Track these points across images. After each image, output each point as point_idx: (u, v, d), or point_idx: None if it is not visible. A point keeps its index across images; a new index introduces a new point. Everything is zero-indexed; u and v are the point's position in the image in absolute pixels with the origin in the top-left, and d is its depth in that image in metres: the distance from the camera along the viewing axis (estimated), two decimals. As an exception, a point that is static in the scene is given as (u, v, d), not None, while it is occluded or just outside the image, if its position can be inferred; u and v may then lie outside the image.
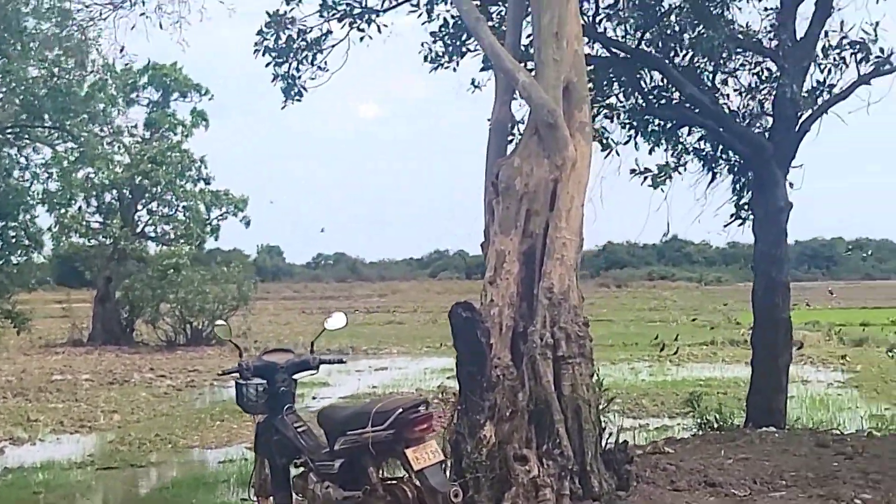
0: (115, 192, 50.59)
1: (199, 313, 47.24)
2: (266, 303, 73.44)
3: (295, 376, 11.46)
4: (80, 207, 50.14)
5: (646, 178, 19.29)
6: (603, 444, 11.89)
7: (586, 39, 18.25)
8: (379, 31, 19.27)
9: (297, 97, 19.49)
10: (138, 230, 51.03)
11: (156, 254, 49.82)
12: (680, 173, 19.88)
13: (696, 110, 18.71)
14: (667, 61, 18.73)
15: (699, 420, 18.39)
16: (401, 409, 9.99)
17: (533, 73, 12.57)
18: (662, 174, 19.40)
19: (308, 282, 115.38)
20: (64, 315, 51.76)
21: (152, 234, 51.54)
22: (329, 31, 19.29)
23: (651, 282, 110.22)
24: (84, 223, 50.11)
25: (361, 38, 19.23)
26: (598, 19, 18.42)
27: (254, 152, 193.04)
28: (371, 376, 33.79)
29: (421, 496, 9.87)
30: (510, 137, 13.77)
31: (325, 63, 19.36)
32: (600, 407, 12.17)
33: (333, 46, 19.32)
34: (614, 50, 18.79)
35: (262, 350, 12.45)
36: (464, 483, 11.04)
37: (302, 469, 11.09)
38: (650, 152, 19.68)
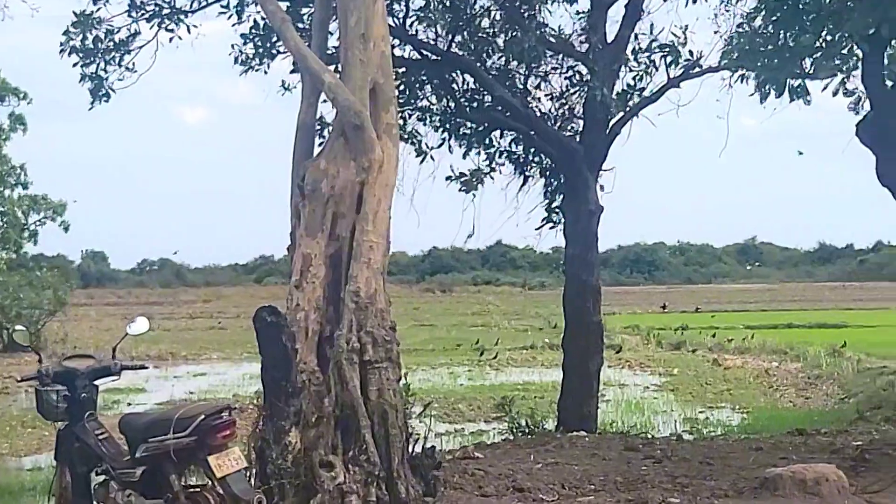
0: None
1: (16, 319, 45.27)
2: (89, 308, 72.29)
3: (97, 382, 11.19)
4: None
5: (460, 182, 19.38)
6: (411, 449, 11.85)
7: (397, 42, 18.38)
8: (189, 31, 19.05)
9: (104, 98, 19.14)
10: None
11: None
12: (492, 178, 20.01)
13: (508, 113, 18.88)
14: (478, 64, 18.84)
15: (511, 424, 18.48)
16: (203, 416, 9.85)
17: (339, 75, 12.50)
18: (474, 179, 19.51)
19: (133, 287, 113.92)
20: None
21: None
22: (137, 32, 19.00)
23: (476, 287, 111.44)
24: None
25: (171, 39, 19.00)
26: (408, 21, 18.45)
27: (79, 157, 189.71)
28: (189, 382, 33.56)
29: (224, 504, 9.75)
30: (318, 140, 13.71)
31: (134, 64, 19.06)
32: (408, 412, 12.12)
33: (142, 47, 19.05)
34: (425, 52, 18.84)
35: (62, 356, 12.15)
36: (269, 490, 10.91)
37: (103, 477, 10.83)
38: (464, 157, 19.82)
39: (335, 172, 11.94)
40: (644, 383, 32.43)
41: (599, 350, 19.06)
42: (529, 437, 17.41)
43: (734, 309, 70.91)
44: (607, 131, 19.10)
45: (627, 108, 19.36)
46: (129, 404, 26.32)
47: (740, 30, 15.75)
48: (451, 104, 19.18)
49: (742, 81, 16.24)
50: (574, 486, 12.66)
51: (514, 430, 18.20)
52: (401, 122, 19.34)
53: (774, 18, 13.85)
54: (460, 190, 19.55)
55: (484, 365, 37.78)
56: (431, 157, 19.77)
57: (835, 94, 15.70)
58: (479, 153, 19.94)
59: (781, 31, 13.50)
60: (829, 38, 13.32)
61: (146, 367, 12.56)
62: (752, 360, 39.38)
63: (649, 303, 78.00)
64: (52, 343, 46.47)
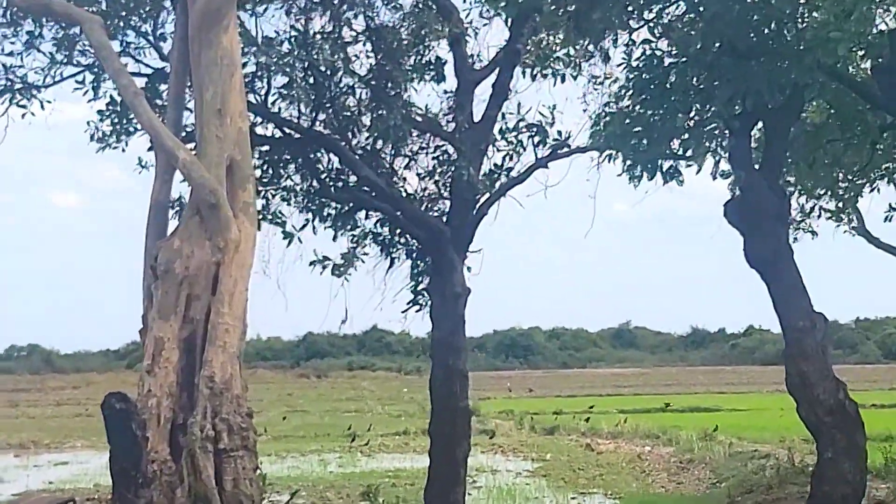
0: None
1: None
2: None
3: None
4: None
5: (325, 266, 19.13)
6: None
7: (259, 119, 18.15)
8: (42, 107, 18.57)
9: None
10: None
11: None
12: (363, 261, 19.78)
13: (374, 194, 18.65)
14: (343, 143, 18.65)
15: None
16: (42, 511, 9.50)
17: (195, 151, 12.28)
18: (345, 262, 19.29)
19: None
20: None
21: None
22: (-15, 105, 18.48)
23: (351, 371, 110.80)
24: None
25: (23, 115, 18.50)
26: (270, 99, 18.21)
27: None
28: (49, 471, 32.51)
29: None
30: (174, 220, 13.44)
31: (-18, 142, 18.53)
32: (265, 503, 11.82)
33: (-9, 120, 18.52)
34: (287, 130, 18.60)
35: None
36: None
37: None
38: (334, 239, 19.56)
39: (189, 252, 11.71)
40: (517, 469, 32.02)
41: (467, 436, 18.79)
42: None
43: (608, 393, 71.09)
44: (474, 212, 18.99)
45: (495, 189, 19.27)
46: (-13, 495, 25.52)
47: (608, 108, 15.82)
48: (315, 184, 18.92)
49: (610, 161, 16.27)
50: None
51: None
52: (264, 202, 19.20)
53: (642, 98, 13.91)
54: (333, 274, 19.30)
55: (355, 451, 37.36)
56: (299, 240, 19.43)
57: (714, 176, 15.87)
58: (343, 235, 19.71)
59: (650, 112, 13.56)
60: (697, 117, 13.42)
61: None
62: (624, 444, 39.23)
63: (524, 387, 78.24)
64: None
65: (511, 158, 19.77)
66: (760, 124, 15.76)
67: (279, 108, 18.58)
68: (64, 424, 51.38)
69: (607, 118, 15.28)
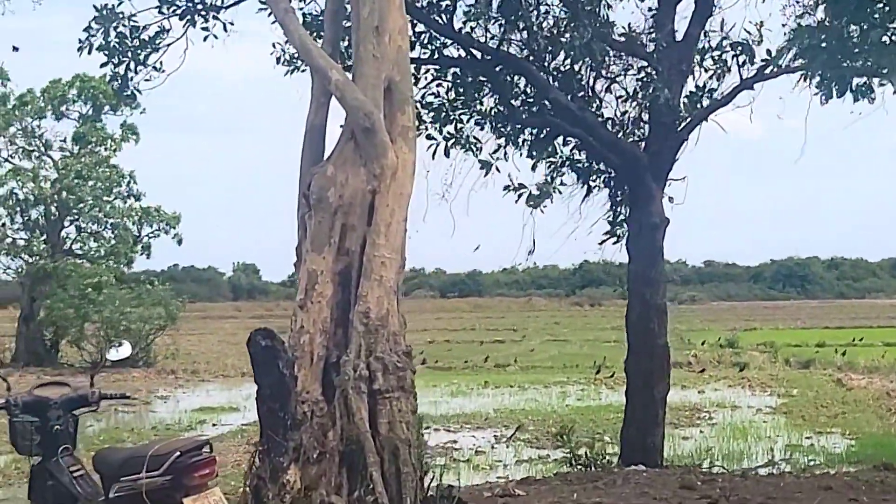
0: (42, 207, 50.25)
1: (125, 334, 45.69)
2: (235, 322, 72.78)
3: (76, 412, 10.53)
4: (3, 223, 50.28)
5: (521, 195, 18.59)
6: (425, 489, 11.06)
7: (450, 42, 17.67)
8: (225, 29, 18.37)
9: (130, 101, 18.65)
10: (66, 247, 50.82)
11: (78, 273, 49.05)
12: (560, 192, 19.19)
13: (565, 118, 17.97)
14: (535, 64, 18.03)
15: (569, 456, 17.55)
16: (178, 453, 9.15)
17: (351, 73, 11.80)
18: (542, 193, 18.71)
19: (282, 300, 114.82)
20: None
21: (79, 252, 51.25)
22: (166, 29, 18.32)
23: (624, 300, 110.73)
24: (7, 240, 50.07)
25: (205, 38, 18.31)
26: (457, 19, 17.69)
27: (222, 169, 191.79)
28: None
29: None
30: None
31: (161, 63, 18.40)
32: (423, 446, 11.30)
33: (170, 45, 18.38)
34: (475, 52, 18.05)
35: (35, 383, 11.46)
36: (263, 535, 10.28)
37: (80, 519, 10.16)
38: (533, 169, 18.99)
39: (343, 180, 11.23)
40: (758, 405, 31.66)
41: (665, 376, 18.07)
42: (585, 470, 16.52)
43: (881, 325, 70.74)
44: (678, 134, 18.19)
45: (696, 112, 18.43)
46: (215, 425, 25.97)
47: (801, 21, 14.84)
48: (504, 108, 18.33)
49: (806, 80, 15.19)
50: (615, 529, 11.83)
51: (574, 463, 17.27)
52: (455, 127, 18.76)
53: (837, 10, 12.90)
54: (528, 204, 18.74)
55: (599, 384, 37.23)
56: (497, 169, 18.95)
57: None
58: (540, 163, 19.10)
59: (845, 25, 12.56)
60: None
61: (128, 397, 11.92)
62: (878, 380, 38.38)
63: (796, 318, 78.99)
64: (163, 359, 48.11)
65: (716, 79, 18.91)
66: None
67: (470, 28, 18.07)
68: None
69: (800, 32, 14.22)
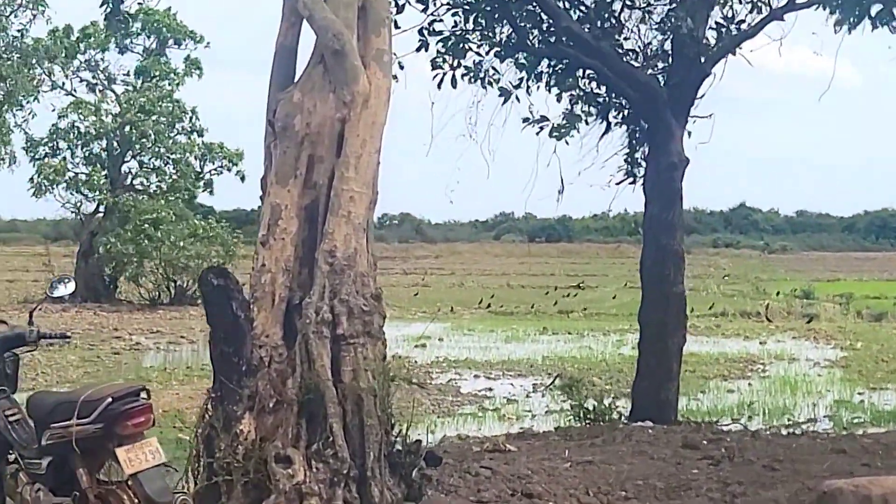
0: (103, 142, 50.78)
1: (183, 271, 47.46)
2: None
3: (16, 351, 10.10)
4: (63, 158, 50.63)
5: (543, 128, 18.15)
6: (391, 443, 10.53)
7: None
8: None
9: (121, 26, 18.25)
10: (127, 182, 51.44)
11: (137, 208, 49.47)
12: (587, 122, 18.80)
13: (580, 47, 17.42)
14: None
15: (575, 410, 17.09)
16: (111, 399, 8.75)
17: (322, -11, 11.23)
18: (567, 124, 18.27)
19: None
20: (45, 269, 51.56)
21: (140, 188, 51.87)
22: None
23: (715, 249, 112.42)
24: (68, 174, 50.24)
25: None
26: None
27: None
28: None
29: (141, 505, 8.68)
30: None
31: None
32: (389, 397, 10.75)
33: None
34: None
35: (-30, 322, 11.02)
36: (214, 487, 9.85)
37: (14, 467, 9.76)
38: (558, 100, 18.64)
39: (311, 107, 10.68)
40: (818, 357, 31.53)
41: (682, 326, 17.55)
42: (589, 425, 16.09)
43: None
44: (701, 67, 17.59)
45: (722, 44, 17.82)
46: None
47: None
48: (513, 36, 17.78)
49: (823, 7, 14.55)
50: (602, 491, 11.34)
51: (581, 416, 16.81)
52: (477, 58, 18.30)
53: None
54: (551, 136, 18.34)
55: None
56: (517, 98, 18.55)
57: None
58: (561, 95, 18.66)
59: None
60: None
61: (68, 337, 11.50)
62: None
63: (885, 269, 79.75)
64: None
65: (749, 8, 18.29)
66: None
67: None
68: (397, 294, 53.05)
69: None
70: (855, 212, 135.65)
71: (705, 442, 14.05)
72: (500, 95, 18.36)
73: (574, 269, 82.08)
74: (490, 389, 24.33)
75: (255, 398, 10.06)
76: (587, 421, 16.54)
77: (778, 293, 55.24)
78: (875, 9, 13.09)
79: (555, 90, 18.65)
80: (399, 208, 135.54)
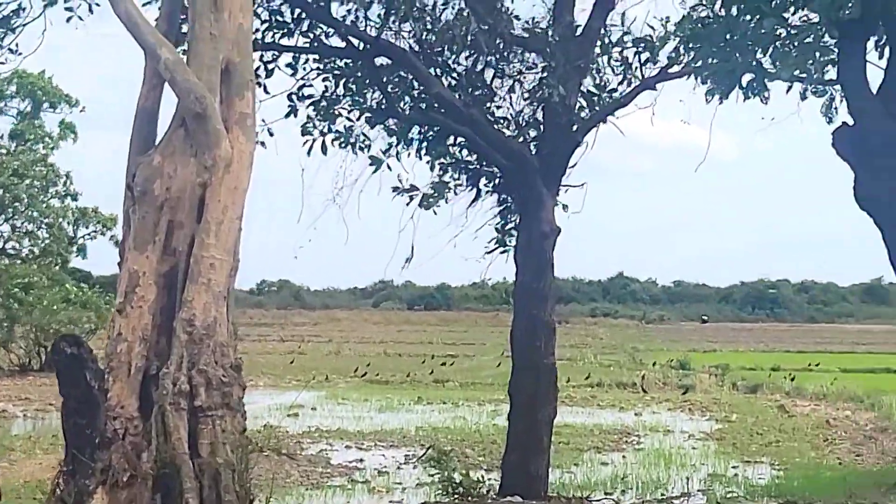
0: None
1: (53, 336, 45.28)
2: None
3: None
4: None
5: (413, 197, 17.99)
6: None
7: (331, 30, 17.00)
8: (90, 10, 17.51)
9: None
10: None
11: (9, 273, 48.89)
12: (456, 193, 18.62)
13: (450, 114, 17.28)
14: (428, 59, 17.37)
15: (443, 483, 16.85)
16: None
17: (186, 53, 11.03)
18: (436, 193, 18.11)
19: (249, 308, 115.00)
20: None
21: (12, 252, 51.24)
22: (21, 8, 17.45)
23: (593, 318, 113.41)
24: None
25: (69, 19, 17.44)
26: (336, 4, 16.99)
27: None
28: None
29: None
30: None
31: (17, 46, 17.56)
32: (249, 471, 10.48)
33: (25, 26, 17.51)
34: (352, 40, 17.31)
35: None
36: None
37: None
38: (431, 168, 18.43)
39: (172, 171, 10.50)
40: (693, 430, 31.64)
41: (552, 398, 17.43)
42: (458, 499, 15.89)
43: (844, 350, 72.27)
44: (572, 136, 17.56)
45: (594, 113, 17.84)
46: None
47: (692, 12, 14.23)
48: (383, 101, 17.63)
49: (696, 78, 14.59)
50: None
51: (449, 491, 16.59)
52: (348, 123, 18.14)
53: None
54: (421, 205, 18.15)
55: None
56: (388, 167, 18.33)
57: (803, 96, 14.38)
58: (433, 163, 18.50)
59: (738, 15, 11.95)
60: (790, 24, 11.79)
61: None
62: (824, 406, 38.90)
63: (762, 341, 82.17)
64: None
65: (620, 78, 18.33)
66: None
67: (347, 13, 17.36)
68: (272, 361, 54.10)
69: (689, 23, 13.67)
70: (731, 282, 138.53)
71: (575, 519, 13.92)
72: (370, 164, 18.13)
73: (452, 337, 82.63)
74: (361, 461, 24.13)
75: (109, 472, 9.80)
76: (455, 496, 16.32)
77: (654, 363, 55.87)
78: (746, 78, 13.09)
79: (426, 157, 18.46)
80: (278, 275, 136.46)
